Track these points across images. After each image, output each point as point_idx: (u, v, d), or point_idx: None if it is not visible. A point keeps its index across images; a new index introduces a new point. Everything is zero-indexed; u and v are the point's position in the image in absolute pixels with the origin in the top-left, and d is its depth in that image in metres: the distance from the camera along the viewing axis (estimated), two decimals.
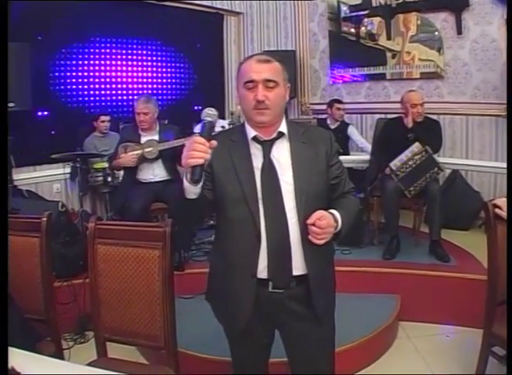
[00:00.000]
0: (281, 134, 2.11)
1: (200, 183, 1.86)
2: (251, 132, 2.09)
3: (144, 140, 4.93)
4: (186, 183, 1.85)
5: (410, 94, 5.05)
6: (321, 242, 1.94)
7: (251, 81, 2.00)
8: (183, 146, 4.72)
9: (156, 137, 4.94)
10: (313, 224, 1.92)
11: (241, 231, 2.07)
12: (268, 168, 2.06)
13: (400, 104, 5.07)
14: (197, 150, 1.76)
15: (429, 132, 4.88)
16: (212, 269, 2.32)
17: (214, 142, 1.82)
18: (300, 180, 2.06)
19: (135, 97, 6.77)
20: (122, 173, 5.28)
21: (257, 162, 2.08)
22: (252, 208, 2.03)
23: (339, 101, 6.76)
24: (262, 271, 2.08)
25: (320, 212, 1.94)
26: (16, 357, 1.73)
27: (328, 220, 1.94)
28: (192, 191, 1.86)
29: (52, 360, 2.03)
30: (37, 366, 1.82)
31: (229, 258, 2.15)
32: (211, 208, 2.13)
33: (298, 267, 2.09)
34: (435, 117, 5.37)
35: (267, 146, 2.09)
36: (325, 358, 2.32)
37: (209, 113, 1.90)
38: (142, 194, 4.75)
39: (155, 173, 4.97)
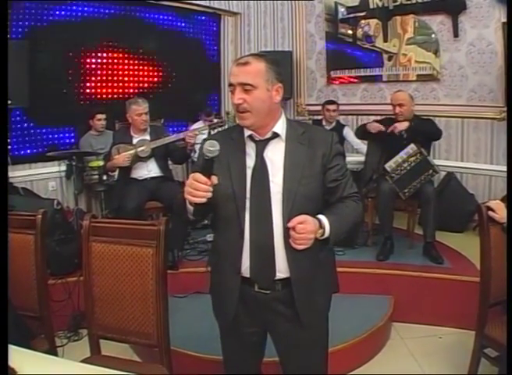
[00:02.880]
0: (276, 135, 2.10)
1: None
2: (247, 131, 2.09)
3: (135, 141, 5.00)
4: (189, 207, 1.93)
5: (392, 95, 5.12)
6: (300, 247, 1.91)
7: (230, 85, 2.02)
8: (174, 144, 4.79)
9: (147, 138, 5.01)
10: (293, 228, 1.90)
11: (228, 228, 2.10)
12: (260, 167, 2.06)
13: None
14: (199, 189, 1.82)
15: (422, 127, 4.86)
16: (210, 265, 2.35)
17: (214, 179, 1.87)
18: (290, 181, 2.05)
19: (131, 95, 6.81)
20: (117, 172, 5.28)
21: (250, 161, 2.08)
22: (239, 205, 2.04)
23: (331, 103, 6.76)
24: (246, 271, 2.09)
25: (303, 217, 1.91)
26: (11, 353, 1.73)
27: (308, 226, 1.90)
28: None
29: (46, 357, 2.04)
30: (30, 363, 1.83)
31: (219, 253, 2.19)
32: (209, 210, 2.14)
33: (282, 270, 2.09)
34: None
35: (260, 145, 2.08)
36: (315, 359, 2.32)
37: (210, 150, 1.87)
38: (136, 192, 4.78)
39: (149, 168, 5.03)
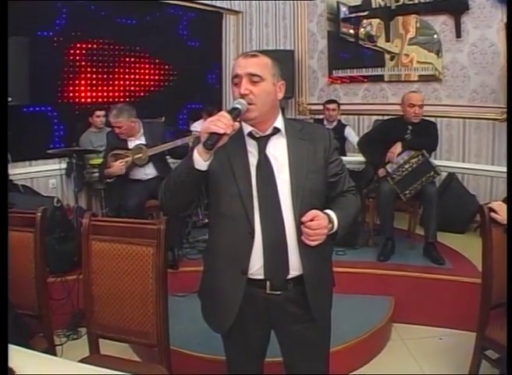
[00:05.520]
0: (277, 130, 2.08)
1: (208, 161, 1.87)
2: (247, 128, 2.06)
3: (131, 144, 4.95)
4: (195, 155, 1.86)
5: (410, 94, 5.05)
6: (314, 243, 1.91)
7: (236, 76, 1.99)
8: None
9: (143, 140, 4.97)
10: (306, 223, 1.89)
11: (234, 228, 2.04)
12: (264, 164, 2.03)
13: (401, 104, 5.06)
14: (222, 121, 1.79)
15: (426, 133, 4.88)
16: (204, 266, 2.30)
17: (237, 124, 1.86)
18: (297, 177, 2.03)
19: (132, 93, 6.82)
20: None
21: (253, 158, 2.05)
22: (246, 204, 2.00)
23: (330, 102, 6.78)
24: (258, 271, 2.05)
25: (314, 212, 1.91)
26: (9, 352, 1.72)
27: (320, 221, 1.91)
28: (201, 163, 1.86)
29: (44, 356, 2.02)
30: (29, 363, 1.81)
31: (220, 253, 2.12)
32: (201, 198, 2.12)
33: (294, 267, 2.06)
34: (432, 120, 5.35)
35: (262, 142, 2.06)
36: (320, 359, 2.31)
37: (240, 102, 1.93)
38: (137, 191, 4.77)
39: (147, 172, 5.02)
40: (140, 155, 4.86)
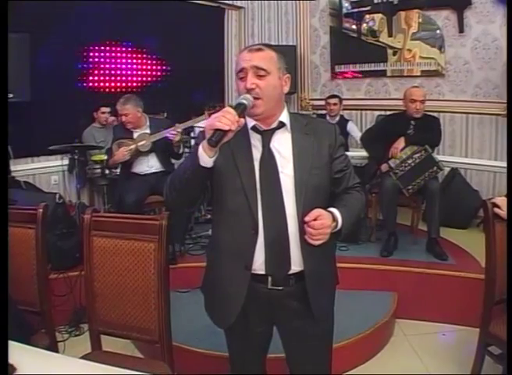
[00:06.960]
0: (282, 124, 2.05)
1: (214, 157, 1.85)
2: (251, 122, 2.03)
3: (135, 135, 4.98)
4: (200, 151, 1.83)
5: (411, 89, 5.04)
6: (317, 243, 1.89)
7: (241, 70, 1.96)
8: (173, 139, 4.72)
9: (148, 131, 5.00)
10: (309, 222, 1.87)
11: (238, 222, 2.03)
12: (268, 159, 2.01)
13: (403, 99, 5.05)
14: (227, 117, 1.77)
15: (429, 129, 4.87)
16: (207, 261, 2.29)
17: (242, 120, 1.83)
18: (301, 172, 2.00)
19: (134, 89, 6.82)
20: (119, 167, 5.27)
21: (257, 152, 2.03)
22: (250, 199, 1.98)
23: (332, 97, 6.78)
24: (260, 266, 2.04)
25: (318, 211, 1.89)
26: (10, 349, 1.71)
27: (323, 221, 1.88)
28: (206, 159, 1.84)
29: (46, 353, 2.01)
30: (30, 359, 1.81)
31: (224, 248, 2.11)
32: (206, 193, 2.09)
33: (296, 263, 2.05)
34: (435, 115, 5.34)
35: (266, 136, 2.03)
36: (323, 356, 2.30)
37: (246, 97, 1.90)
38: (137, 186, 4.79)
39: (150, 164, 5.03)
40: (143, 142, 4.89)
